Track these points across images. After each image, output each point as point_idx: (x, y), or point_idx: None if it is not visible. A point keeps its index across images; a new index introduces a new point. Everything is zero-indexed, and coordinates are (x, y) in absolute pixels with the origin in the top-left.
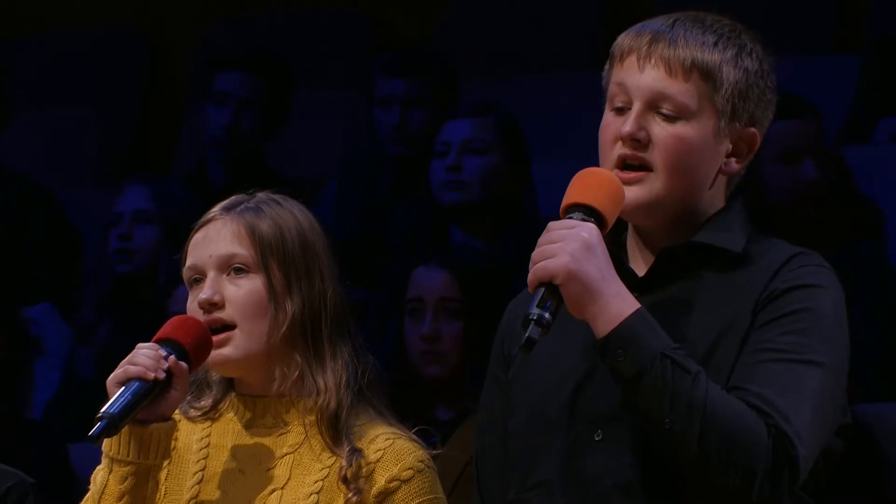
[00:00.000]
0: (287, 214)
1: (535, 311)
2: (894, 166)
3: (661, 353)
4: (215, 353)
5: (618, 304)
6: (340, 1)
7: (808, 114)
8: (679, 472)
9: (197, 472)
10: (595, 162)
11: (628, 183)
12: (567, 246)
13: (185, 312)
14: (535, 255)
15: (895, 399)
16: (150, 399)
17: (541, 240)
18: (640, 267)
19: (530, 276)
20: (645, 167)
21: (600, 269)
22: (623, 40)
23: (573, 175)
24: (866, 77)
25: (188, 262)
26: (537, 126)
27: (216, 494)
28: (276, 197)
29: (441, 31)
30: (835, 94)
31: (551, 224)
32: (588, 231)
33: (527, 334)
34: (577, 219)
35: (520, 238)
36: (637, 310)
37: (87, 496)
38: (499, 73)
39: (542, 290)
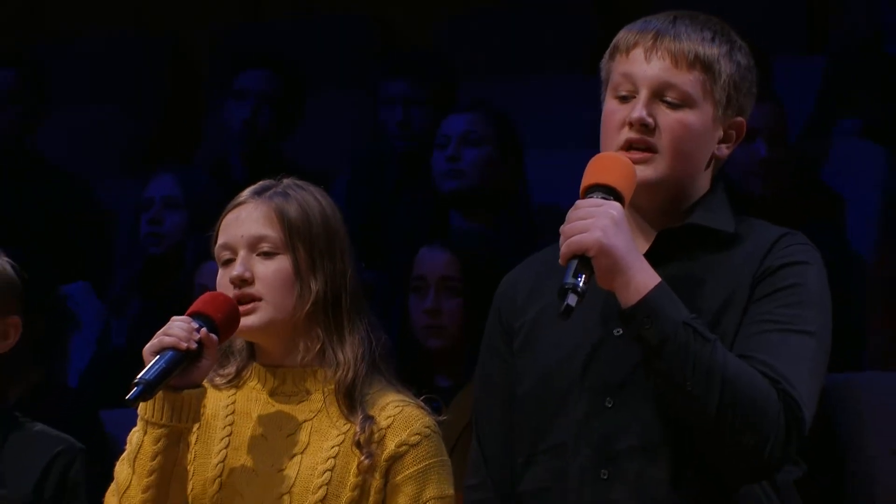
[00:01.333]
0: (311, 199)
1: (570, 280)
2: (855, 159)
3: (684, 322)
4: (243, 320)
5: (643, 277)
6: (348, 8)
7: (767, 98)
8: (692, 435)
9: (224, 438)
10: (587, 153)
11: (637, 162)
12: (598, 222)
13: (211, 285)
14: (566, 229)
15: (850, 370)
16: (183, 367)
17: (570, 216)
18: (639, 244)
19: (563, 249)
20: (651, 149)
21: (627, 243)
22: (627, 35)
23: (564, 165)
24: (830, 76)
25: (220, 241)
26: (531, 122)
27: (242, 459)
28: (301, 183)
29: (441, 35)
30: (805, 92)
31: (579, 202)
32: (615, 209)
33: (565, 302)
34: (600, 197)
35: (513, 222)
36: (660, 282)
37: (123, 455)
38: (495, 74)
39: (576, 262)
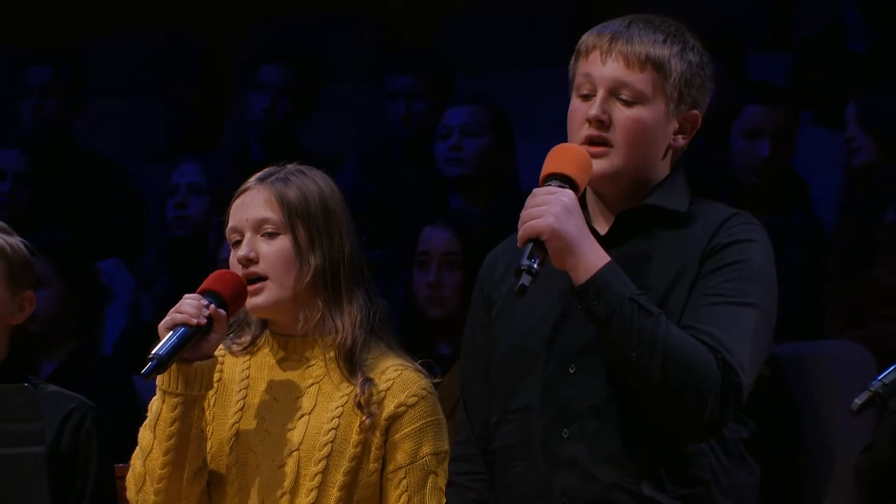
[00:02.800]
0: (311, 183)
1: (525, 262)
2: (816, 146)
3: (629, 298)
4: (250, 301)
5: (592, 257)
6: (359, 10)
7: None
8: (642, 398)
9: (239, 401)
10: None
11: (594, 157)
12: (551, 209)
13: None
14: (523, 215)
15: (809, 338)
16: (194, 341)
17: (527, 203)
18: (601, 226)
19: (520, 234)
20: (607, 144)
21: (578, 227)
22: (587, 38)
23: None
24: (794, 71)
25: (230, 224)
26: (521, 112)
27: (255, 420)
28: (303, 168)
29: (442, 35)
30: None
31: (536, 190)
32: (567, 196)
33: (520, 282)
34: (555, 186)
35: (505, 204)
36: (608, 262)
37: (145, 422)
38: (491, 69)
39: (531, 245)
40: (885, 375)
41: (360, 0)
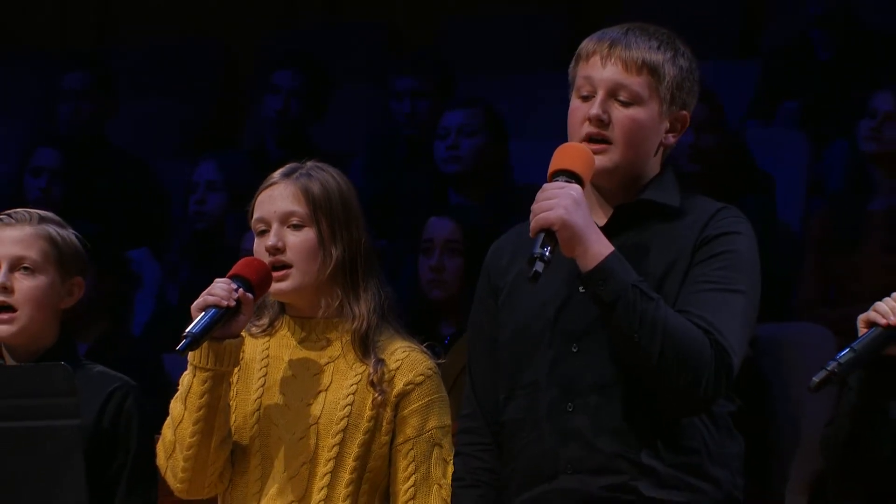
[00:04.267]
0: (331, 179)
1: (538, 250)
2: (786, 145)
3: (632, 284)
4: (275, 286)
5: (598, 247)
6: (364, 16)
7: (709, 98)
8: (641, 376)
9: (260, 378)
10: (563, 140)
11: (595, 153)
12: (561, 202)
13: (251, 250)
14: (535, 208)
15: (774, 320)
16: (224, 321)
17: (538, 196)
18: (599, 218)
19: (533, 224)
20: (606, 141)
21: (585, 219)
22: (587, 44)
23: (546, 151)
24: (766, 76)
25: (256, 215)
26: (517, 112)
27: (276, 396)
28: (321, 164)
29: (442, 39)
30: (738, 90)
31: (546, 185)
32: (575, 191)
33: (533, 269)
34: (563, 181)
35: (499, 198)
36: (612, 251)
37: (176, 395)
38: (488, 72)
39: (543, 235)
40: (841, 356)
41: (367, 8)
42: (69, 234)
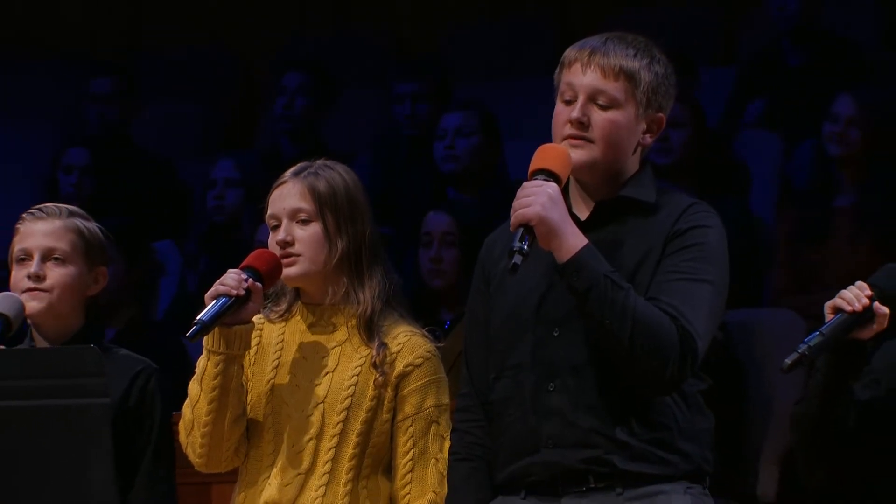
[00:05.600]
0: (337, 176)
1: (517, 244)
2: (761, 144)
3: (604, 275)
4: (285, 271)
5: (573, 240)
6: (371, 25)
7: (685, 99)
8: (614, 359)
9: (274, 360)
10: (551, 140)
11: (576, 147)
12: (538, 199)
13: (265, 242)
14: (515, 205)
15: (749, 306)
16: (234, 309)
17: (518, 194)
18: (581, 212)
19: (513, 220)
20: (587, 140)
21: (561, 214)
22: (570, 52)
23: (531, 151)
24: (740, 81)
25: (269, 212)
26: (510, 115)
27: (287, 377)
28: (329, 162)
29: (442, 47)
30: (720, 94)
31: (525, 184)
32: (552, 188)
33: (512, 261)
34: (541, 179)
35: (494, 194)
36: (586, 244)
37: (193, 377)
38: (484, 78)
39: (522, 229)
40: (811, 339)
41: (373, 18)
42: (94, 226)
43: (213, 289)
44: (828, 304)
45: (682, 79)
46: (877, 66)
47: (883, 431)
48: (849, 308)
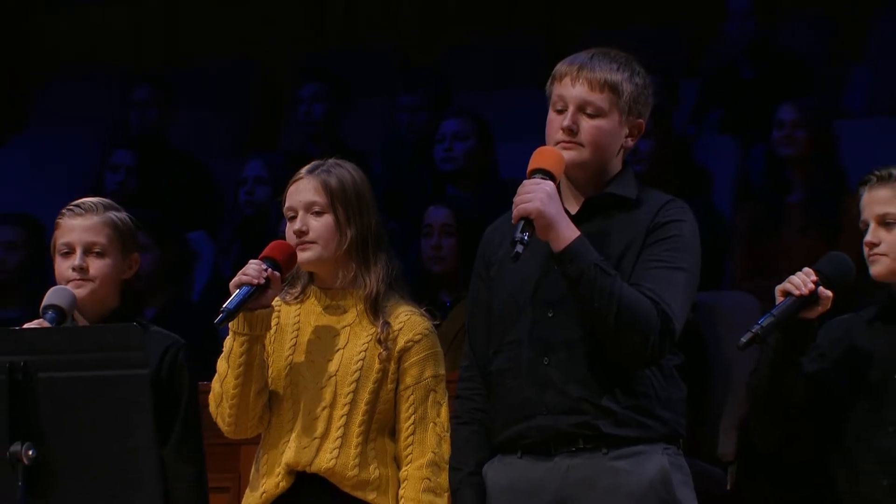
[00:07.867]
0: (347, 173)
1: (518, 235)
2: (720, 148)
3: (594, 263)
4: (300, 255)
5: (567, 232)
6: (379, 41)
7: (653, 111)
8: (601, 337)
9: (292, 339)
10: (539, 143)
11: (566, 150)
12: (537, 195)
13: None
14: (516, 200)
15: (711, 290)
16: (256, 296)
17: (519, 190)
18: (571, 206)
19: (514, 213)
20: (577, 144)
21: (557, 209)
22: (560, 67)
23: (524, 151)
24: (703, 90)
25: (286, 205)
26: (502, 121)
27: (303, 353)
28: (340, 161)
29: (442, 60)
30: (685, 104)
31: (525, 181)
32: (549, 186)
33: (514, 250)
34: (539, 178)
35: (487, 191)
36: (578, 236)
37: (221, 355)
38: (479, 87)
39: (523, 222)
40: (763, 320)
41: (382, 35)
42: (125, 216)
43: (236, 278)
44: (778, 288)
45: (663, 95)
46: (821, 79)
47: (827, 398)
48: (797, 292)
